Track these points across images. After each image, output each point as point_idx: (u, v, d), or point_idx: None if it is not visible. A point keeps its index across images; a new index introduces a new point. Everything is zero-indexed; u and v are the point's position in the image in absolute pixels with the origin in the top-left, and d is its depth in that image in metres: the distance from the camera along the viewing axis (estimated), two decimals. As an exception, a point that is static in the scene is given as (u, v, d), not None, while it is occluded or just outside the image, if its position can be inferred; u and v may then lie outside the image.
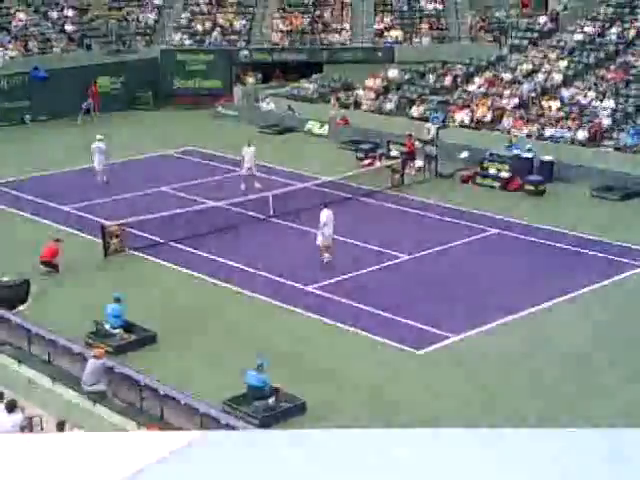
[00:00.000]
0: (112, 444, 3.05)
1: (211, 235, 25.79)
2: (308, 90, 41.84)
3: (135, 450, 2.94)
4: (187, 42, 45.67)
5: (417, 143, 32.44)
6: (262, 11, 47.13)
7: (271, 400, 16.83)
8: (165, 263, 24.23)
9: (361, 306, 21.30)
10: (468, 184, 31.00)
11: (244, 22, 46.38)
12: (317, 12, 46.46)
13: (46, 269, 23.47)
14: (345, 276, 23.10)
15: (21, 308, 21.09)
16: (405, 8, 45.69)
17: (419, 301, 21.68)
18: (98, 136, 31.55)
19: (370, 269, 23.56)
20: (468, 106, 36.11)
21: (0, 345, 19.00)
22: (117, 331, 19.70)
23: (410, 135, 32.56)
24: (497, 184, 30.58)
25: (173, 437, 3.02)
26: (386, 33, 44.46)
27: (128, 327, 19.89)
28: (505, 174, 30.75)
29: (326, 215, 23.69)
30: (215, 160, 34.22)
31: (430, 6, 45.48)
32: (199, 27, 46.24)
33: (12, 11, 44.66)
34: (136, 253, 24.89)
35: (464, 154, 32.47)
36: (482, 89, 37.10)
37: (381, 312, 20.93)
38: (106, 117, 40.47)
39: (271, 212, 27.44)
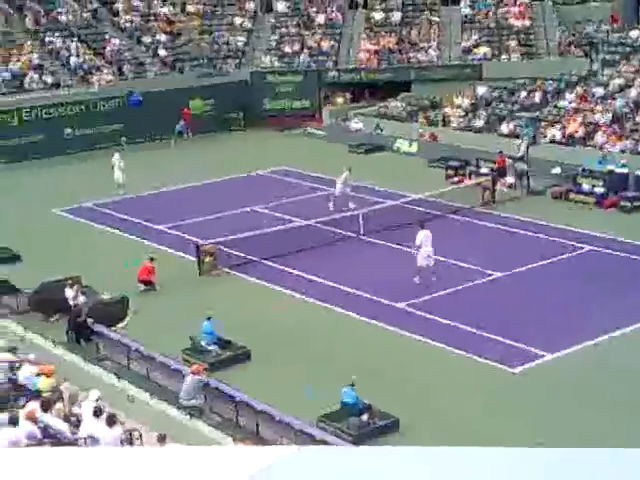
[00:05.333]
0: (209, 458, 3.15)
1: (303, 253, 26.01)
2: (396, 109, 41.90)
3: (231, 464, 3.03)
4: (276, 64, 46.25)
5: (508, 160, 32.16)
6: (350, 31, 47.44)
7: (365, 417, 16.88)
8: (258, 281, 24.55)
9: (455, 324, 21.21)
10: (560, 200, 30.60)
11: (332, 43, 46.76)
12: (404, 31, 46.53)
13: (144, 287, 24.06)
14: (438, 294, 23.04)
15: (120, 325, 21.63)
16: (493, 25, 45.41)
17: (513, 319, 21.47)
18: None
19: (463, 286, 23.44)
20: (559, 122, 35.68)
21: (100, 360, 19.53)
22: (212, 348, 20.04)
23: (501, 152, 32.32)
24: (591, 200, 30.08)
25: (268, 452, 3.10)
26: (474, 50, 44.24)
27: (223, 344, 20.22)
28: (599, 190, 30.24)
29: (421, 236, 23.61)
30: (305, 179, 34.51)
31: (518, 22, 45.09)
32: (288, 49, 46.77)
33: (106, 36, 45.94)
34: (230, 271, 25.28)
35: (556, 170, 32.05)
36: (573, 104, 36.61)
37: (474, 330, 20.81)
38: (199, 139, 41.24)
39: (362, 230, 27.53)
